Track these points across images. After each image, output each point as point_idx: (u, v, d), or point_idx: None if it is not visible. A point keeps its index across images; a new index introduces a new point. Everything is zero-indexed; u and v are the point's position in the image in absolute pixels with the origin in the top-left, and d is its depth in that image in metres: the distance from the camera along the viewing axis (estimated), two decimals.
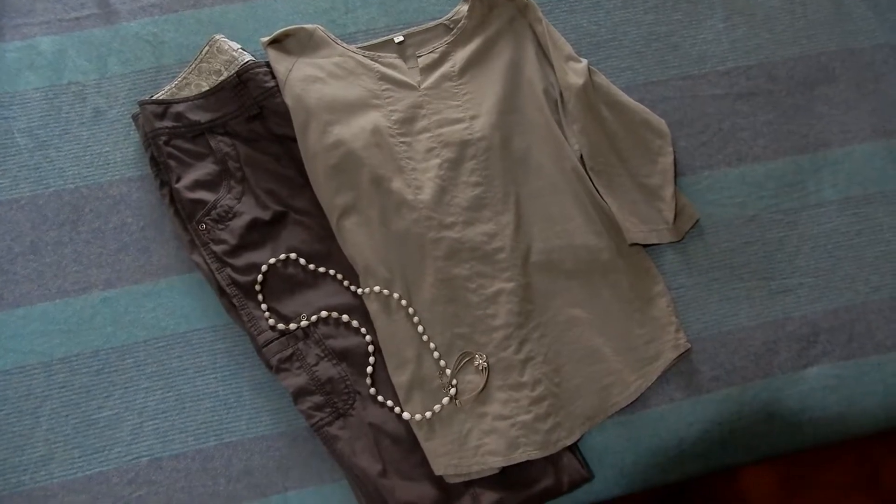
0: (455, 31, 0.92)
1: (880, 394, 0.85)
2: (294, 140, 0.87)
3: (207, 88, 0.87)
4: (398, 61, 0.90)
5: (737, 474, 0.87)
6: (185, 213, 0.84)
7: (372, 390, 0.80)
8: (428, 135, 0.87)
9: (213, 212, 0.83)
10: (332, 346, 0.81)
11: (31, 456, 0.80)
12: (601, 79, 0.91)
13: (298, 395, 0.79)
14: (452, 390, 0.79)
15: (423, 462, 0.78)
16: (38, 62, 0.93)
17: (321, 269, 0.85)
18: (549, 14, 0.96)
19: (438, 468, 0.77)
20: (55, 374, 0.82)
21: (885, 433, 0.86)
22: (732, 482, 0.88)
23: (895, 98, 0.96)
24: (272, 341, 0.81)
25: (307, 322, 0.81)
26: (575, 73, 0.89)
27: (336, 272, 0.85)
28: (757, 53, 0.97)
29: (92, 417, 0.81)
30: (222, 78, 0.87)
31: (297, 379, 0.79)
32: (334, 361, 0.81)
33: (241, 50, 0.89)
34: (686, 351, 0.83)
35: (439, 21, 0.93)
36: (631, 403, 0.82)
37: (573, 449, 0.80)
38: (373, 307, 0.82)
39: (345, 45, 0.91)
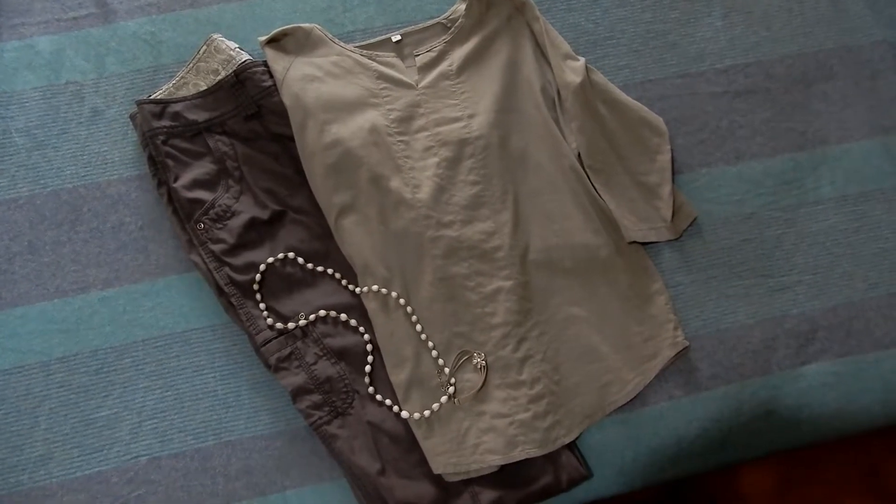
0: (453, 29, 0.92)
1: (878, 390, 0.85)
2: (292, 139, 0.86)
3: (205, 88, 0.87)
4: (396, 60, 0.90)
5: (735, 472, 0.87)
6: (184, 212, 0.84)
7: (370, 389, 0.80)
8: (426, 133, 0.87)
9: (211, 211, 0.83)
10: (331, 345, 0.81)
11: (30, 455, 0.80)
12: (599, 77, 0.91)
13: (297, 394, 0.79)
14: (451, 389, 0.79)
15: (422, 461, 0.78)
16: (36, 62, 0.93)
17: (319, 269, 0.84)
18: (547, 12, 0.96)
19: (437, 467, 0.77)
20: (54, 374, 0.82)
21: (884, 430, 0.86)
22: (731, 480, 0.88)
23: (893, 95, 0.96)
24: (271, 340, 0.80)
25: (305, 321, 0.81)
26: (573, 71, 0.89)
27: (334, 271, 0.85)
28: (755, 51, 0.97)
29: (91, 417, 0.81)
30: (220, 77, 0.87)
31: (295, 378, 0.79)
32: (333, 360, 0.81)
33: (238, 49, 0.89)
34: (684, 349, 0.83)
35: (437, 20, 0.93)
36: (630, 401, 0.82)
37: (572, 447, 0.80)
38: (371, 306, 0.82)
39: (342, 44, 0.91)
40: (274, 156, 0.87)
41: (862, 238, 0.90)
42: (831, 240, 0.90)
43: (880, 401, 0.85)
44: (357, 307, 0.83)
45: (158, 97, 0.87)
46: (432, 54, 0.90)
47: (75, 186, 0.88)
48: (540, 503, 0.79)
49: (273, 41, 0.89)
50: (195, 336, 0.84)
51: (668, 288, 0.87)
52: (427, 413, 0.78)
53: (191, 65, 0.89)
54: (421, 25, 0.92)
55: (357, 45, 0.91)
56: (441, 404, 0.79)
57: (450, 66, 0.90)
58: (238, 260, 0.83)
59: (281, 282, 0.83)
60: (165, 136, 0.85)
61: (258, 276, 0.82)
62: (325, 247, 0.85)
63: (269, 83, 0.87)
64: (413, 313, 0.82)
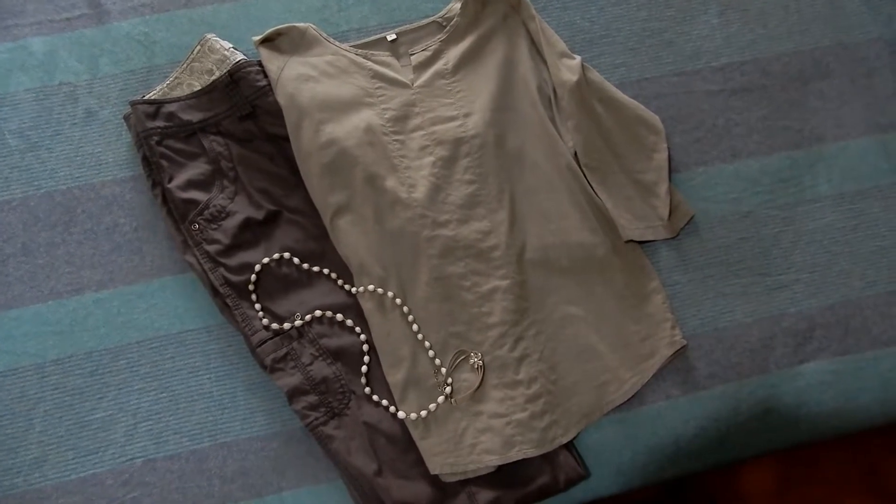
0: (448, 28, 0.91)
1: (877, 389, 0.85)
2: (287, 139, 0.86)
3: (199, 88, 0.87)
4: (391, 59, 0.90)
5: (734, 471, 0.87)
6: (178, 213, 0.83)
7: (367, 389, 0.80)
8: (421, 133, 0.87)
9: (205, 211, 0.83)
10: (327, 346, 0.81)
11: (25, 458, 0.79)
12: (595, 75, 0.91)
13: (293, 394, 0.78)
14: (448, 389, 0.79)
15: (419, 461, 0.78)
16: (29, 63, 0.92)
17: (315, 269, 0.84)
18: (543, 11, 0.96)
19: (434, 467, 0.77)
20: (48, 376, 0.82)
21: (883, 428, 0.86)
22: (729, 479, 0.87)
23: (889, 92, 0.96)
24: (266, 341, 0.80)
25: (301, 321, 0.81)
26: (569, 69, 0.89)
27: (330, 271, 0.84)
28: (751, 49, 0.96)
29: (85, 419, 0.81)
30: (214, 77, 0.87)
31: (291, 379, 0.79)
32: (329, 361, 0.80)
33: (232, 49, 0.88)
34: (682, 348, 0.83)
35: (432, 19, 0.92)
36: (627, 400, 0.82)
37: (569, 447, 0.80)
38: (367, 306, 0.82)
39: (337, 43, 0.90)
40: (269, 156, 0.87)
41: (859, 236, 0.90)
42: (829, 238, 0.90)
43: (879, 399, 0.85)
44: (353, 307, 0.83)
45: (152, 97, 0.87)
46: (427, 53, 0.90)
47: (69, 188, 0.88)
48: (537, 503, 0.78)
49: (267, 41, 0.89)
50: (190, 337, 0.84)
51: (665, 287, 0.86)
52: (424, 413, 0.78)
53: (185, 65, 0.89)
54: (416, 24, 0.92)
55: (352, 44, 0.91)
56: (438, 404, 0.79)
57: (445, 64, 0.90)
58: (233, 260, 0.82)
59: (276, 282, 0.83)
60: (160, 136, 0.85)
61: (253, 277, 0.82)
62: (320, 247, 0.85)
63: (264, 83, 0.87)
64: (409, 313, 0.82)
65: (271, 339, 0.80)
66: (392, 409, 0.79)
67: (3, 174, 0.88)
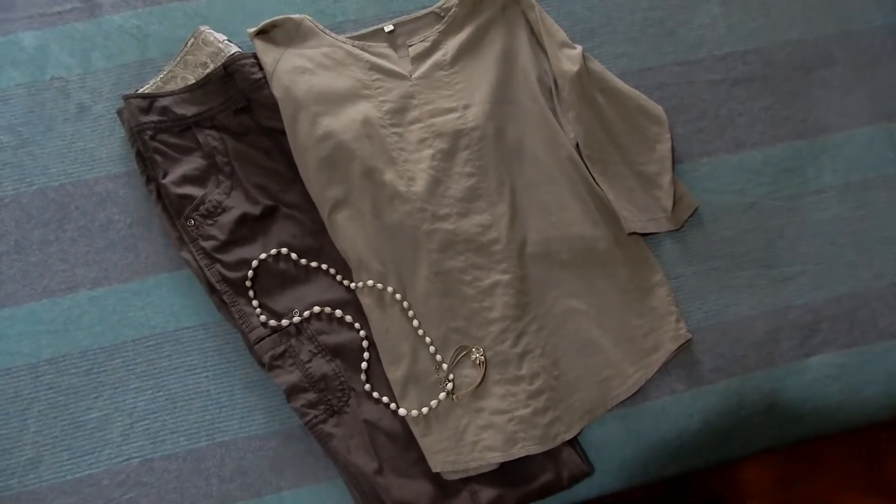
0: (446, 19, 0.90)
1: (884, 382, 0.84)
2: (283, 133, 0.85)
3: (193, 81, 0.86)
4: (388, 51, 0.89)
5: (737, 468, 0.86)
6: (173, 208, 0.82)
7: (367, 386, 0.79)
8: (420, 125, 0.85)
9: (201, 207, 0.82)
10: (326, 342, 0.80)
11: (20, 459, 0.78)
12: (596, 65, 0.89)
13: (291, 392, 0.78)
14: (449, 385, 0.78)
15: (420, 459, 0.77)
16: (20, 58, 0.91)
17: (313, 264, 0.83)
18: (542, 0, 0.94)
19: (435, 465, 0.76)
20: (42, 376, 0.81)
21: (888, 423, 0.85)
22: (732, 476, 0.87)
23: (894, 81, 0.95)
24: (264, 338, 0.79)
25: (299, 318, 0.80)
26: (569, 59, 0.88)
27: (328, 267, 0.83)
28: (754, 38, 0.95)
29: (81, 419, 0.80)
30: (208, 70, 0.86)
31: (289, 376, 0.78)
32: (328, 358, 0.79)
33: (227, 41, 0.87)
34: (686, 341, 0.82)
35: (430, 9, 0.91)
36: (631, 396, 0.81)
37: (573, 443, 0.79)
38: (366, 302, 0.81)
39: (333, 35, 0.89)
40: (265, 150, 0.86)
41: (866, 227, 0.89)
42: (835, 229, 0.89)
43: (886, 392, 0.84)
44: (352, 303, 0.82)
45: (146, 92, 0.86)
46: (426, 44, 0.89)
47: (62, 184, 0.87)
48: (540, 501, 0.78)
49: (262, 33, 0.87)
50: (187, 335, 0.82)
51: (668, 279, 0.85)
52: (425, 410, 0.77)
53: (178, 58, 0.87)
54: (413, 15, 0.91)
55: (348, 35, 0.89)
56: (439, 401, 0.78)
57: (444, 56, 0.88)
58: (229, 256, 0.81)
59: (274, 278, 0.82)
60: (153, 131, 0.84)
61: (250, 273, 0.81)
62: (318, 242, 0.84)
63: (259, 76, 0.85)
64: (409, 308, 0.81)
65: (269, 336, 0.79)
66: (392, 406, 0.78)
67: None
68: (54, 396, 0.80)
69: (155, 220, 0.86)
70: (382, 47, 0.89)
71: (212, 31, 0.88)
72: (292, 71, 0.85)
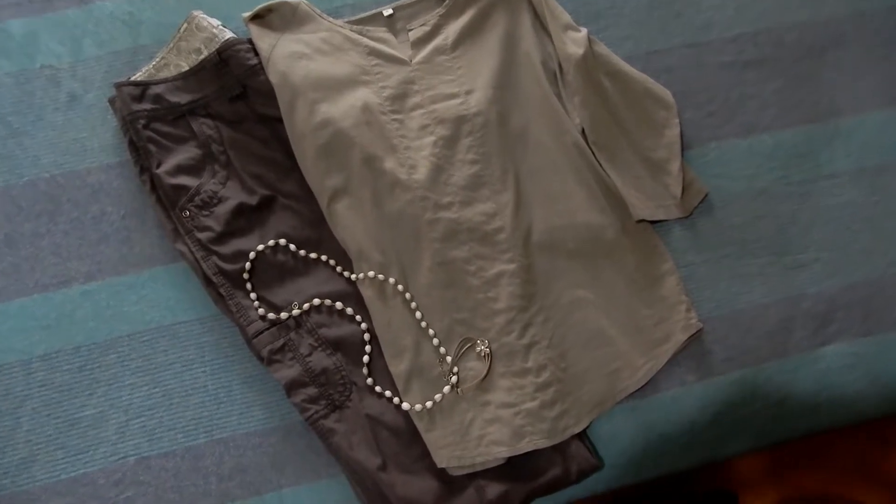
0: (447, 2, 0.88)
1: None
2: (280, 120, 0.83)
3: (187, 68, 0.84)
4: (388, 35, 0.87)
5: (740, 458, 0.84)
6: (168, 199, 0.80)
7: (369, 380, 0.77)
8: (421, 111, 0.83)
9: (196, 198, 0.80)
10: (326, 336, 0.78)
11: (12, 458, 0.77)
12: (602, 48, 0.87)
13: (291, 387, 0.76)
14: (453, 378, 0.76)
15: (424, 454, 0.75)
16: (9, 46, 0.89)
17: (312, 255, 0.81)
18: None
19: (440, 460, 0.74)
20: (35, 373, 0.79)
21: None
22: (733, 466, 0.85)
23: None
24: (262, 332, 0.78)
25: (299, 311, 0.78)
26: (574, 42, 0.85)
27: (328, 258, 0.82)
28: (764, 19, 0.93)
29: (75, 416, 0.78)
30: (202, 57, 0.84)
31: (289, 371, 0.76)
32: (328, 351, 0.78)
33: (221, 27, 0.85)
34: (697, 331, 0.81)
35: None
36: (640, 388, 0.79)
37: (581, 436, 0.78)
38: (367, 293, 0.79)
39: (331, 19, 0.87)
40: (261, 139, 0.84)
41: (880, 212, 0.87)
42: (848, 215, 0.87)
43: None
44: (353, 295, 0.80)
45: (138, 79, 0.83)
46: (426, 28, 0.87)
47: (53, 176, 0.85)
48: (549, 496, 0.76)
49: (258, 17, 0.85)
50: (183, 329, 0.81)
51: (678, 268, 0.84)
52: (429, 404, 0.75)
53: (171, 45, 0.85)
54: None
55: (346, 20, 0.87)
56: (443, 395, 0.76)
57: (445, 40, 0.86)
58: (226, 248, 0.79)
59: (272, 270, 0.80)
60: (146, 119, 0.82)
61: (248, 265, 0.79)
62: (317, 233, 0.82)
63: (255, 62, 0.83)
64: (412, 300, 0.79)
65: (268, 329, 0.78)
66: (395, 400, 0.76)
67: None
68: (47, 394, 0.79)
69: (149, 211, 0.84)
70: (381, 32, 0.87)
71: (205, 16, 0.85)
72: (289, 56, 0.83)
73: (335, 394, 0.76)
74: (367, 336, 0.79)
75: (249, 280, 0.79)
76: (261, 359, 0.78)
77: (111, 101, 0.85)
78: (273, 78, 0.82)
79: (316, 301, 0.79)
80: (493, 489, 0.74)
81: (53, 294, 0.81)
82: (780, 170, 0.88)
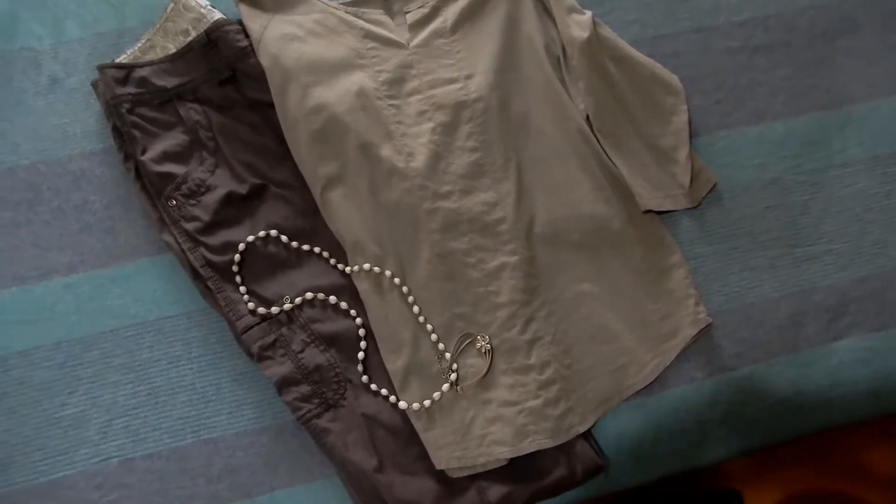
0: None
1: None
2: (271, 106, 0.81)
3: (174, 51, 0.81)
4: (384, 17, 0.84)
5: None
6: (153, 188, 0.78)
7: (364, 378, 0.75)
8: (419, 97, 0.80)
9: (183, 186, 0.78)
10: (320, 331, 0.76)
11: None
12: (607, 32, 0.85)
13: (283, 385, 0.74)
14: (453, 376, 0.74)
15: (423, 455, 0.73)
16: None
17: (305, 247, 0.79)
18: None
19: (440, 461, 0.72)
20: (13, 370, 0.76)
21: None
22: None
23: None
24: (253, 327, 0.75)
25: (291, 305, 0.76)
26: (578, 25, 0.83)
27: (322, 250, 0.79)
28: (774, 3, 0.91)
29: (55, 416, 0.75)
30: (190, 38, 0.81)
31: (281, 368, 0.74)
32: (322, 347, 0.75)
33: (209, 7, 0.82)
34: (706, 326, 0.78)
35: None
36: (648, 385, 0.77)
37: (587, 436, 0.75)
38: (363, 287, 0.77)
39: (325, 0, 0.84)
40: (252, 124, 0.81)
41: (894, 202, 0.85)
42: (861, 205, 0.85)
43: None
44: (348, 288, 0.78)
45: (123, 62, 0.81)
46: (424, 10, 0.84)
47: (33, 163, 0.82)
48: (553, 497, 0.74)
49: None
50: (169, 324, 0.78)
51: (687, 260, 0.81)
52: (427, 403, 0.73)
53: (158, 26, 0.83)
54: None
55: (341, 1, 0.85)
56: (442, 393, 0.74)
57: (443, 22, 0.84)
58: (215, 239, 0.77)
59: (263, 262, 0.78)
60: (131, 104, 0.79)
61: (237, 257, 0.77)
62: (310, 223, 0.80)
63: (245, 44, 0.80)
64: (409, 294, 0.76)
65: (258, 324, 0.75)
66: (392, 398, 0.74)
67: None
68: (26, 392, 0.76)
69: (134, 200, 0.82)
70: (378, 14, 0.84)
71: None
72: (281, 38, 0.80)
73: (329, 392, 0.74)
74: (362, 331, 0.76)
75: (239, 273, 0.77)
76: (251, 355, 0.75)
77: (94, 85, 0.82)
78: (264, 61, 0.79)
79: (309, 295, 0.76)
80: (496, 491, 0.72)
81: (33, 287, 0.79)
82: (792, 159, 0.86)
